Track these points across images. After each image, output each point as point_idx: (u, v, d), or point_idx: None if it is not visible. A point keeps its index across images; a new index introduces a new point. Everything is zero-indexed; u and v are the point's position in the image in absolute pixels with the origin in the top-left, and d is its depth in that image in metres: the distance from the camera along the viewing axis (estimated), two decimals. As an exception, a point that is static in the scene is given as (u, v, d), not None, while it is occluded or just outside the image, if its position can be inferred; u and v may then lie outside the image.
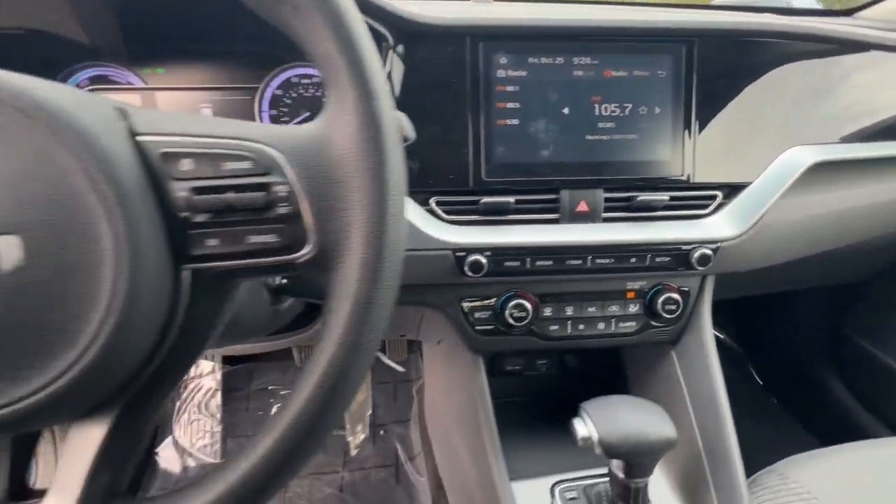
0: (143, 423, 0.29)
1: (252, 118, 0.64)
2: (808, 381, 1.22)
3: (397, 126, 0.28)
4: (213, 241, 0.27)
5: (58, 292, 0.24)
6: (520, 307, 0.58)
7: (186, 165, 0.26)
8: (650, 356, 0.69)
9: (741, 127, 0.60)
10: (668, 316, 0.61)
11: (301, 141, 0.28)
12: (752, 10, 0.77)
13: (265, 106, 0.65)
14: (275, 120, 0.65)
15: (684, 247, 0.58)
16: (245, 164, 0.27)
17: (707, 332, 0.62)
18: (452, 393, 0.73)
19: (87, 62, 0.60)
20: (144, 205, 0.25)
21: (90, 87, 0.60)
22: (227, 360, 1.24)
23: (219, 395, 1.19)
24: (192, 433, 1.14)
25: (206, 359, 1.18)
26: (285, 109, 0.65)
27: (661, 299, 0.60)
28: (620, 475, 0.52)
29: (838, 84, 0.62)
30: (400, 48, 0.54)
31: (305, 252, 0.28)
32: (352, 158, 0.27)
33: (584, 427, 0.50)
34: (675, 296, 0.61)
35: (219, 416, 1.17)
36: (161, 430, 1.15)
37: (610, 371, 0.77)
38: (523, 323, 0.59)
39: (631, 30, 0.56)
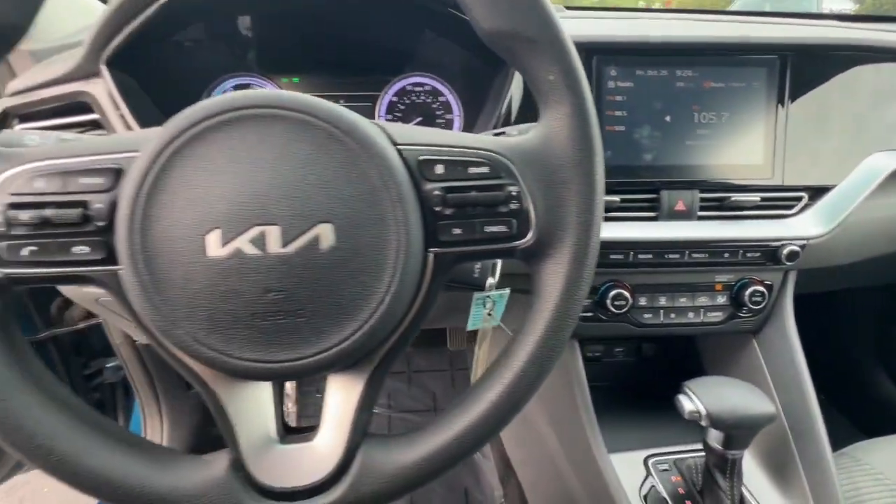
0: (383, 378, 0.36)
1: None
2: (856, 377, 1.25)
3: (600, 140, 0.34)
4: (457, 230, 0.33)
5: (356, 268, 0.31)
6: (620, 296, 0.65)
7: (439, 170, 0.33)
8: (730, 345, 0.74)
9: (822, 131, 0.65)
10: (755, 307, 0.66)
11: (527, 150, 0.34)
12: (802, 16, 0.81)
13: (383, 111, 0.72)
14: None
15: (773, 243, 0.64)
16: (484, 169, 0.33)
17: (790, 323, 0.67)
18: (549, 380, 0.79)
19: (233, 73, 0.68)
20: (411, 200, 0.32)
21: (234, 95, 0.68)
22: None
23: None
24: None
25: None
26: (399, 115, 0.72)
27: (747, 292, 0.66)
28: (718, 447, 0.57)
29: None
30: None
31: (527, 240, 0.34)
32: (568, 165, 0.34)
33: (690, 402, 0.56)
34: (761, 288, 0.66)
35: (293, 397, 1.25)
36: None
37: (684, 359, 0.83)
38: (622, 311, 0.65)
39: (729, 44, 0.62)
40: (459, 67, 0.70)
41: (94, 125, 0.60)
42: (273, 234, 0.30)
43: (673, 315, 0.67)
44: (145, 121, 0.57)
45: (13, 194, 0.29)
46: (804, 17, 0.95)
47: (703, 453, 0.67)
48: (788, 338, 0.67)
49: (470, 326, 0.61)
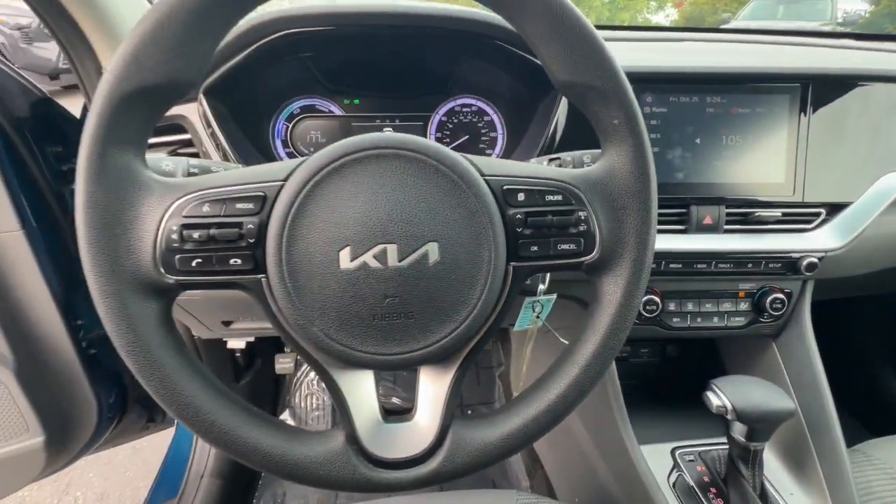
0: (468, 369, 0.43)
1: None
2: (868, 380, 1.30)
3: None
4: (534, 247, 0.40)
5: (456, 279, 0.38)
6: (652, 302, 0.71)
7: (521, 197, 0.40)
8: (751, 347, 0.80)
9: (839, 151, 0.71)
10: (775, 314, 0.72)
11: (593, 181, 0.41)
12: (820, 35, 0.86)
13: (433, 130, 0.78)
14: (439, 141, 0.79)
15: (793, 255, 0.70)
16: (558, 197, 0.40)
17: (807, 328, 0.73)
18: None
19: (301, 94, 0.75)
20: (499, 222, 0.39)
21: (301, 116, 0.75)
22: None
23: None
24: (308, 405, 1.30)
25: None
26: (448, 133, 0.79)
27: (768, 299, 0.72)
28: (742, 439, 0.64)
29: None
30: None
31: (592, 256, 0.41)
32: (629, 193, 0.40)
33: (717, 398, 0.62)
34: (781, 296, 0.72)
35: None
36: (282, 400, 1.31)
37: (706, 360, 0.89)
38: (653, 315, 0.72)
39: (756, 75, 0.68)
40: (505, 91, 0.77)
41: (185, 143, 0.68)
42: (392, 251, 0.37)
43: (699, 319, 0.73)
44: (232, 140, 0.64)
45: (186, 216, 0.36)
46: (822, 37, 1.00)
47: (726, 446, 0.73)
48: (806, 342, 0.73)
49: (517, 327, 0.68)
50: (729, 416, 0.61)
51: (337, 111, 0.76)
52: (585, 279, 0.42)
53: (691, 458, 0.72)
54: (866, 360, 1.29)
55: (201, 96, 0.61)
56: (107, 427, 0.84)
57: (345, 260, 0.36)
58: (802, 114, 0.69)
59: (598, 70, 0.39)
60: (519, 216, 0.40)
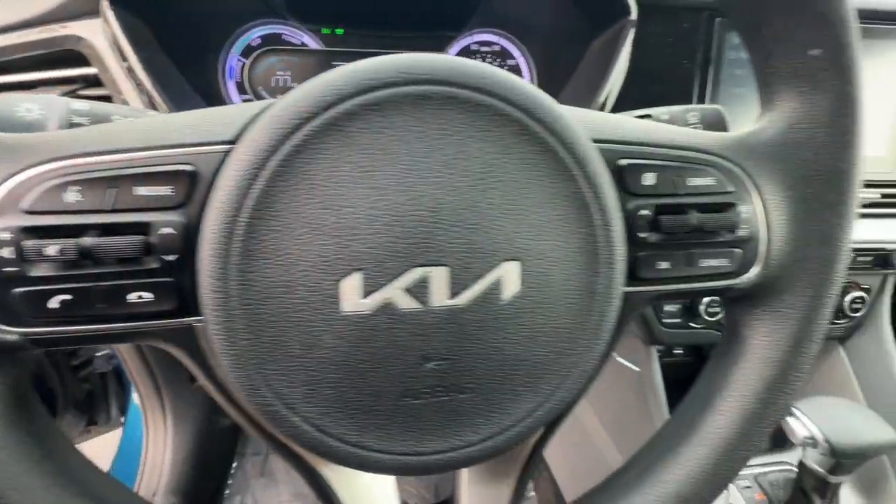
0: (540, 453, 0.28)
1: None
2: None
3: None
4: (664, 264, 0.24)
5: (544, 322, 0.22)
6: (715, 302, 0.57)
7: (649, 180, 0.23)
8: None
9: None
10: (854, 315, 0.60)
11: (763, 153, 0.25)
12: None
13: (442, 75, 0.60)
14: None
15: (889, 247, 0.57)
16: (709, 181, 0.24)
17: (887, 330, 0.62)
18: (607, 383, 0.73)
19: (262, 20, 0.54)
20: (619, 223, 0.22)
21: (262, 49, 0.55)
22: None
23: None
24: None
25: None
26: (459, 80, 0.60)
27: (847, 298, 0.60)
28: (820, 470, 0.52)
29: None
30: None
31: (750, 276, 0.25)
32: (823, 174, 0.24)
33: (802, 427, 0.50)
34: (861, 294, 0.60)
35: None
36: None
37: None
38: (715, 318, 0.58)
39: (871, 11, 0.52)
40: (541, 25, 0.58)
41: (91, 82, 0.47)
42: (439, 280, 0.20)
43: (765, 322, 0.61)
44: (160, 79, 0.44)
45: (30, 212, 0.18)
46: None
47: (785, 466, 0.62)
48: (885, 346, 0.62)
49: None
50: (819, 450, 0.49)
51: (312, 44, 0.56)
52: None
53: (747, 483, 0.61)
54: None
55: (107, 7, 0.40)
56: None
57: (351, 296, 0.19)
58: (916, 67, 0.54)
59: None
60: (645, 212, 0.23)
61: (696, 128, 0.34)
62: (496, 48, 0.60)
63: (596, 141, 0.23)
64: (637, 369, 0.51)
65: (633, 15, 0.47)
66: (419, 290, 0.20)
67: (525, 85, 0.20)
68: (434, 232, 0.19)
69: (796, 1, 0.23)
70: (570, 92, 0.56)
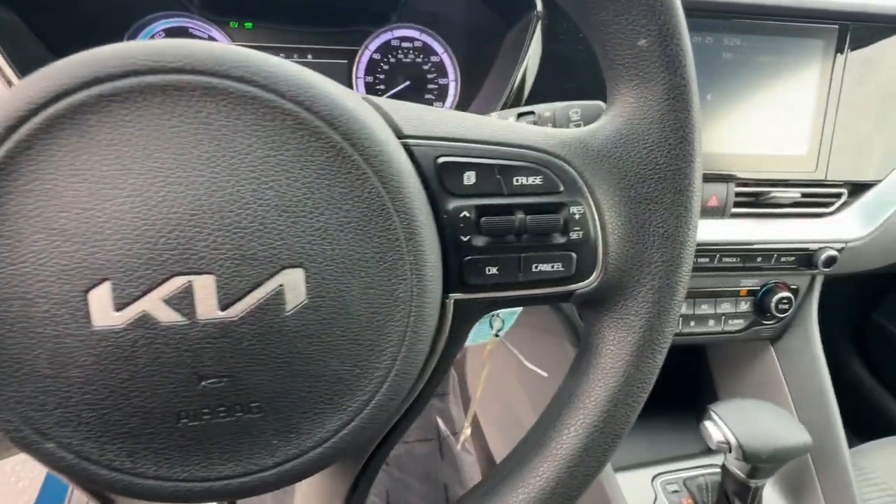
0: (376, 472, 0.26)
1: (345, 83, 0.57)
2: (831, 365, 1.27)
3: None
4: (492, 269, 0.23)
5: (341, 336, 0.20)
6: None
7: (469, 179, 0.22)
8: (744, 352, 0.68)
9: (873, 120, 0.57)
10: (780, 315, 0.60)
11: (599, 151, 0.23)
12: None
13: (361, 72, 0.58)
14: (370, 88, 0.58)
15: (811, 247, 0.57)
16: (537, 180, 0.22)
17: (814, 330, 0.62)
18: (540, 381, 0.71)
19: (164, 12, 0.52)
20: (428, 226, 0.21)
21: (166, 42, 0.52)
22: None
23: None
24: None
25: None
26: (381, 76, 0.59)
27: (774, 298, 0.59)
28: (740, 474, 0.52)
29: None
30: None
31: (589, 282, 0.24)
32: (658, 173, 0.23)
33: (717, 431, 0.49)
34: (788, 294, 0.60)
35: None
36: None
37: (688, 363, 0.77)
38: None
39: (782, 8, 0.51)
40: (461, 19, 0.56)
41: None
42: (204, 290, 0.18)
43: (692, 323, 0.60)
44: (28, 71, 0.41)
45: None
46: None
47: (714, 469, 0.62)
48: (812, 347, 0.62)
49: (470, 342, 0.51)
50: (733, 454, 0.49)
51: (220, 38, 0.54)
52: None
53: (675, 487, 0.60)
54: (828, 346, 1.25)
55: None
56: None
57: (102, 309, 0.17)
58: (836, 66, 0.54)
59: None
60: (466, 213, 0.22)
61: (577, 125, 0.33)
62: (418, 44, 0.59)
63: (411, 137, 0.22)
64: (545, 374, 0.49)
65: (539, 7, 0.46)
66: (181, 301, 0.18)
67: (302, 74, 0.19)
68: (194, 236, 0.18)
69: None
70: (489, 87, 0.55)
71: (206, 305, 0.18)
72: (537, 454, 0.25)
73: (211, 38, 0.53)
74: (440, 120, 0.22)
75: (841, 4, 0.52)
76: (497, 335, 0.45)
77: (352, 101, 0.20)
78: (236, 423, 0.19)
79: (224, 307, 0.18)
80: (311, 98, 0.18)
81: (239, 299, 0.18)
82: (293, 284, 0.19)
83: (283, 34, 0.55)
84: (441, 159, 0.22)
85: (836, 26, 0.53)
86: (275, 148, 0.18)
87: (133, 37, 0.51)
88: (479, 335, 0.49)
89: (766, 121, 0.54)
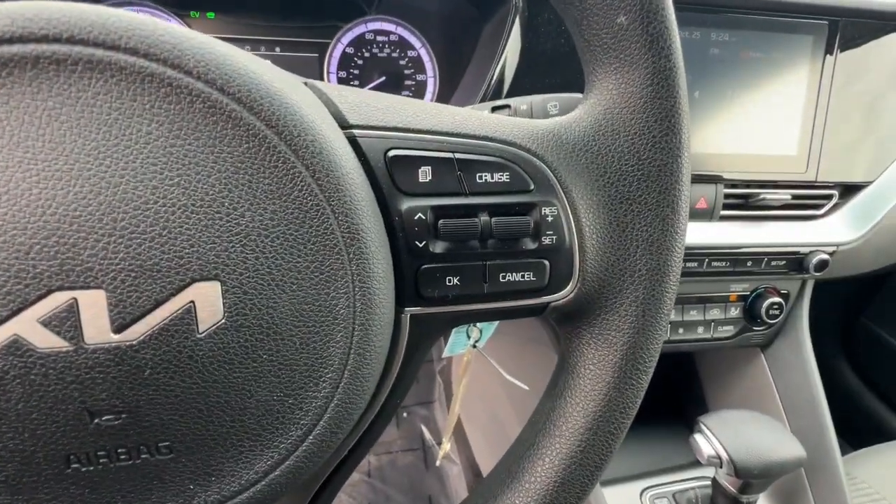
0: (336, 492, 0.23)
1: (316, 79, 0.54)
2: (820, 370, 1.25)
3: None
4: (453, 280, 0.20)
5: (269, 360, 0.17)
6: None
7: (425, 175, 0.19)
8: (734, 359, 0.66)
9: (865, 119, 0.55)
10: (771, 321, 0.58)
11: (572, 142, 0.20)
12: None
13: (334, 66, 0.55)
14: (343, 83, 0.55)
15: (802, 250, 0.55)
16: (503, 176, 0.20)
17: (805, 336, 0.60)
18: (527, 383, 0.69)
19: (123, 0, 0.48)
20: (374, 229, 0.18)
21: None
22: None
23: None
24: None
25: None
26: (355, 71, 0.56)
27: (764, 304, 0.57)
28: (732, 489, 0.49)
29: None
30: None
31: (565, 294, 0.21)
32: (641, 169, 0.20)
33: (707, 444, 0.47)
34: (778, 300, 0.58)
35: None
36: None
37: (677, 370, 0.75)
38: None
39: (774, 3, 0.50)
40: (436, 11, 0.54)
41: None
42: (92, 308, 0.15)
43: (681, 330, 0.58)
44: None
45: None
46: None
47: (704, 482, 0.59)
48: (803, 353, 0.60)
49: (447, 353, 0.48)
50: (724, 469, 0.46)
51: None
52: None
53: (664, 502, 0.58)
54: (821, 354, 1.24)
55: None
56: None
57: None
58: (826, 64, 0.52)
59: None
60: (422, 215, 0.19)
61: (556, 116, 0.30)
62: (395, 38, 0.56)
63: (357, 127, 0.19)
64: (527, 388, 0.47)
65: (520, 1, 0.44)
66: (63, 322, 0.15)
67: (214, 47, 0.16)
68: (77, 243, 0.14)
69: None
70: (468, 82, 0.52)
71: (96, 327, 0.15)
72: (509, 487, 0.22)
73: (170, 29, 0.50)
74: (392, 107, 0.20)
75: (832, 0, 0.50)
76: (475, 346, 0.42)
77: (279, 81, 0.16)
78: (142, 467, 0.16)
79: (119, 329, 0.15)
80: (225, 76, 0.15)
81: (137, 319, 0.15)
82: (207, 300, 0.16)
83: (251, 27, 0.51)
84: (392, 152, 0.19)
85: (826, 22, 0.51)
86: (181, 136, 0.15)
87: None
88: (456, 345, 0.46)
89: (755, 120, 0.52)
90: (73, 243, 0.14)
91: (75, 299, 0.15)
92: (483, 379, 0.80)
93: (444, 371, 1.24)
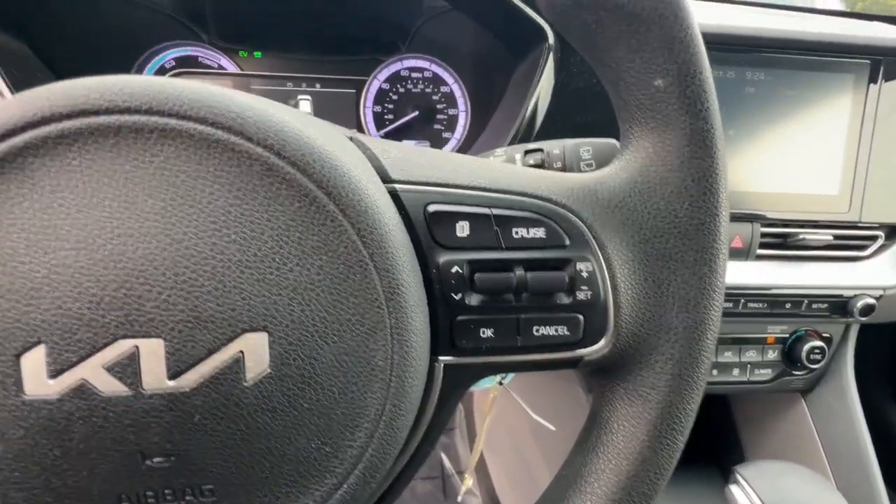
0: None
1: (353, 113, 0.56)
2: (867, 418, 1.18)
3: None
4: (487, 332, 0.20)
5: (310, 410, 0.17)
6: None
7: (463, 230, 0.19)
8: (772, 404, 0.63)
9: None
10: (812, 366, 0.55)
11: (611, 200, 0.21)
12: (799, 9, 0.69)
13: (370, 101, 0.57)
14: (379, 117, 0.57)
15: (845, 293, 0.52)
16: (538, 232, 0.20)
17: (850, 382, 0.57)
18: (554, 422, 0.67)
19: (174, 41, 0.52)
20: (414, 283, 0.18)
21: (175, 71, 0.52)
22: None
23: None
24: None
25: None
26: (390, 106, 0.58)
27: (805, 347, 0.55)
28: (770, 547, 0.46)
29: None
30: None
31: (598, 348, 0.21)
32: (678, 227, 0.20)
33: (744, 497, 0.45)
34: (820, 344, 0.55)
35: None
36: None
37: (713, 417, 0.72)
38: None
39: (811, 43, 0.49)
40: (470, 50, 0.55)
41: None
42: (152, 356, 0.16)
43: (715, 372, 0.55)
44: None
45: None
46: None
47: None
48: (848, 400, 0.56)
49: (473, 388, 0.48)
50: (763, 526, 0.44)
51: (230, 67, 0.54)
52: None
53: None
54: (865, 392, 1.16)
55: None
56: None
57: (35, 376, 0.15)
58: (868, 102, 0.51)
59: None
60: (459, 269, 0.19)
61: (588, 164, 0.30)
62: (428, 74, 0.58)
63: (399, 182, 0.20)
64: (553, 428, 0.46)
65: (551, 39, 0.45)
66: (125, 369, 0.16)
67: (272, 115, 0.17)
68: (142, 295, 0.15)
69: (632, 22, 0.19)
70: (498, 120, 0.53)
71: (154, 374, 0.16)
72: None
73: (220, 67, 0.53)
74: (432, 163, 0.20)
75: (874, 39, 0.50)
76: (501, 383, 0.42)
77: (329, 142, 0.17)
78: None
79: (174, 376, 0.16)
80: (281, 141, 0.16)
81: (191, 367, 0.16)
82: (255, 351, 0.16)
83: (293, 63, 0.54)
84: (431, 207, 0.19)
85: (868, 61, 0.50)
86: (239, 197, 0.16)
87: (143, 66, 0.51)
88: (483, 381, 0.45)
89: (792, 158, 0.51)
90: (138, 295, 0.15)
91: (137, 347, 0.16)
92: (507, 411, 0.79)
93: (465, 398, 1.22)
